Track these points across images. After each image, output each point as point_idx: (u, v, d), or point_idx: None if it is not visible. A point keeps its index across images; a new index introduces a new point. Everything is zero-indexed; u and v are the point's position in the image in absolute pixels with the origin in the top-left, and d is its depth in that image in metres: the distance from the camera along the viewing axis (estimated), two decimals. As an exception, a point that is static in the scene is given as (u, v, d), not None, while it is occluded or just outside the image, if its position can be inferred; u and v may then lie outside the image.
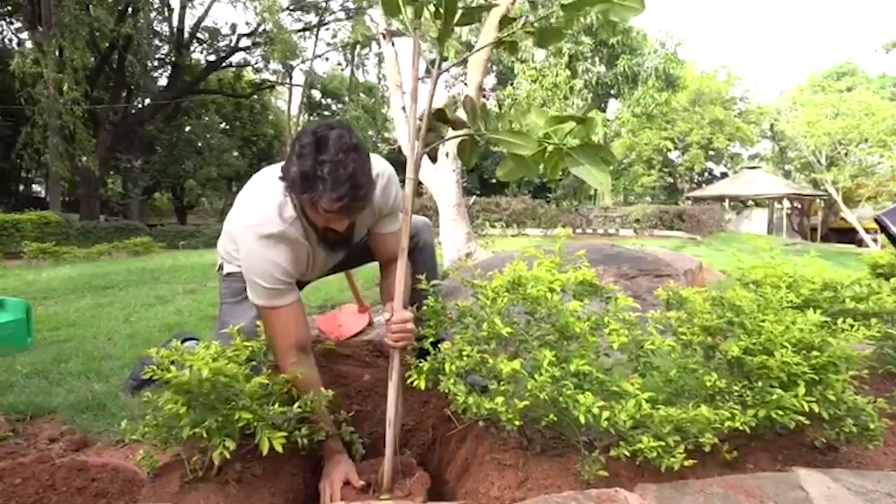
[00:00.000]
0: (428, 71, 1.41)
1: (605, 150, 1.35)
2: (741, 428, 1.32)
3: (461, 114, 1.41)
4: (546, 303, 1.43)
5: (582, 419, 1.23)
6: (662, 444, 1.27)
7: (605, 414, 1.26)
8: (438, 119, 1.38)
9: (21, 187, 22.48)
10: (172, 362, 1.29)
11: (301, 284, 1.66)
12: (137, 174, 19.82)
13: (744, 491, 1.22)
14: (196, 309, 3.57)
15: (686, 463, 1.26)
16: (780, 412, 1.30)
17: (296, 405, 1.28)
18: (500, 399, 1.28)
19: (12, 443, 1.53)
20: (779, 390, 1.30)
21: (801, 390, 1.31)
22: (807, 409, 1.30)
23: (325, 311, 3.36)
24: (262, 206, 1.46)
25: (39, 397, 1.80)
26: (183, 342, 1.64)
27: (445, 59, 1.36)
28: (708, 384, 1.38)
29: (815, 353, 1.36)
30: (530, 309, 1.47)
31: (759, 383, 1.36)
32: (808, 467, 1.39)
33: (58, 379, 2.02)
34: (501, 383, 1.32)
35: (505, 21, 1.31)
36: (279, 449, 1.23)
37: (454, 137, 1.41)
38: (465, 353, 1.36)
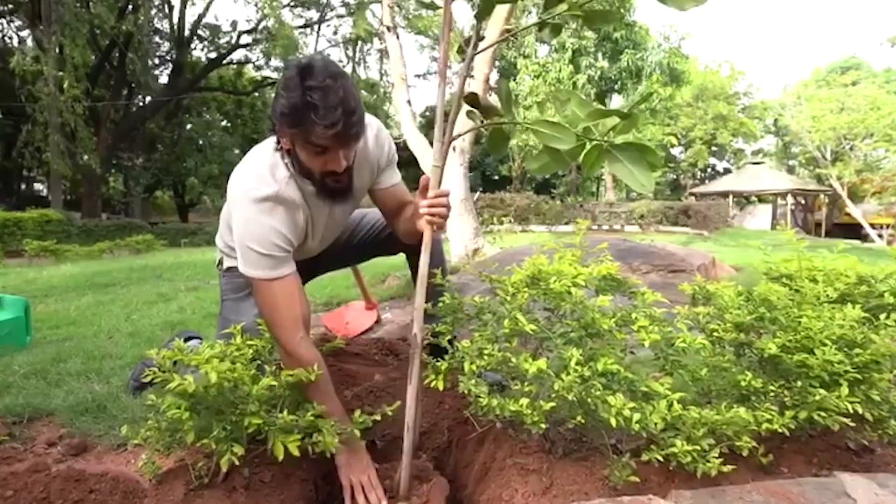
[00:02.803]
0: (463, 47, 1.31)
1: (651, 152, 1.26)
2: (779, 430, 1.24)
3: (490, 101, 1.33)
4: (570, 298, 1.35)
5: (613, 422, 1.16)
6: (697, 447, 1.20)
7: (636, 416, 1.18)
8: (470, 104, 1.29)
9: (23, 186, 22.46)
10: (174, 363, 1.22)
11: (305, 274, 1.57)
12: (139, 172, 19.78)
13: (786, 498, 1.14)
14: (199, 307, 3.50)
15: (724, 469, 1.18)
16: (823, 414, 1.22)
17: (309, 413, 1.20)
18: (525, 401, 1.20)
19: (8, 447, 1.46)
20: (821, 390, 1.22)
21: (845, 390, 1.23)
22: (851, 411, 1.22)
23: (331, 309, 3.29)
24: (252, 169, 1.38)
25: (37, 399, 1.73)
26: (186, 341, 1.57)
27: (482, 39, 1.28)
28: (742, 384, 1.30)
29: (857, 350, 1.28)
30: (553, 305, 1.39)
31: (799, 383, 1.27)
32: (846, 470, 1.32)
33: (57, 379, 1.94)
34: (526, 384, 1.24)
35: (551, 2, 1.21)
36: (295, 452, 1.16)
37: (489, 125, 1.32)
38: (486, 351, 1.28)
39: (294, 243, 1.40)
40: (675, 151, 27.44)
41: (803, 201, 24.65)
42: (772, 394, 1.32)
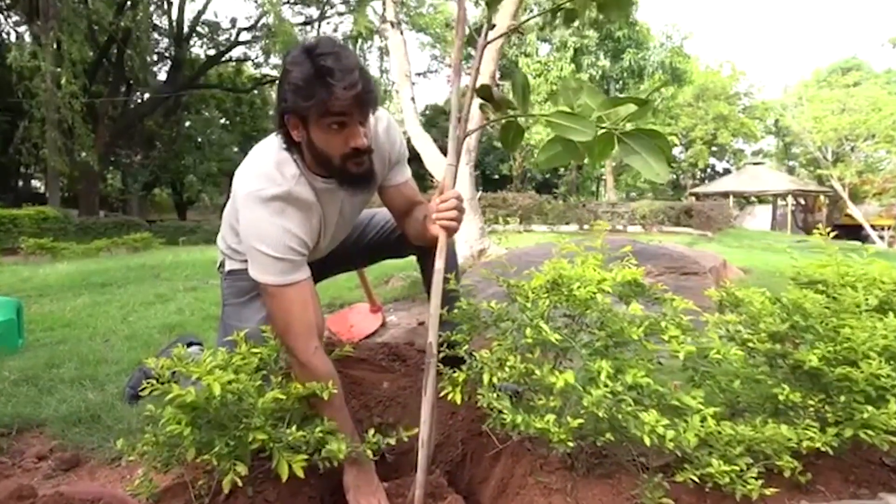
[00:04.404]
0: (475, 36, 1.24)
1: (661, 136, 1.18)
2: (823, 449, 1.16)
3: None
4: (596, 305, 1.27)
5: (647, 441, 1.07)
6: (735, 467, 1.12)
7: (671, 434, 1.10)
8: (482, 97, 1.21)
9: (20, 182, 22.32)
10: (174, 374, 1.14)
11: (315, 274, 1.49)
12: (137, 169, 19.66)
13: (833, 523, 1.07)
14: (198, 308, 3.41)
15: (766, 491, 1.10)
16: (871, 432, 1.14)
17: (317, 429, 1.11)
18: (550, 417, 1.12)
19: (-4, 460, 1.37)
20: (869, 407, 1.14)
21: (893, 406, 1.14)
22: (899, 428, 1.14)
23: (334, 311, 3.20)
24: (258, 167, 1.29)
25: (28, 408, 1.64)
26: (185, 347, 1.48)
27: (493, 28, 1.20)
28: (781, 398, 1.22)
29: (903, 363, 1.20)
30: (578, 312, 1.30)
31: (842, 398, 1.19)
32: (884, 489, 1.24)
33: (49, 386, 1.85)
34: (552, 398, 1.15)
35: None
36: (300, 474, 1.08)
37: (502, 119, 1.24)
38: (508, 363, 1.20)
39: (309, 245, 1.31)
40: (676, 151, 27.31)
41: (803, 202, 24.60)
42: (811, 408, 1.24)
